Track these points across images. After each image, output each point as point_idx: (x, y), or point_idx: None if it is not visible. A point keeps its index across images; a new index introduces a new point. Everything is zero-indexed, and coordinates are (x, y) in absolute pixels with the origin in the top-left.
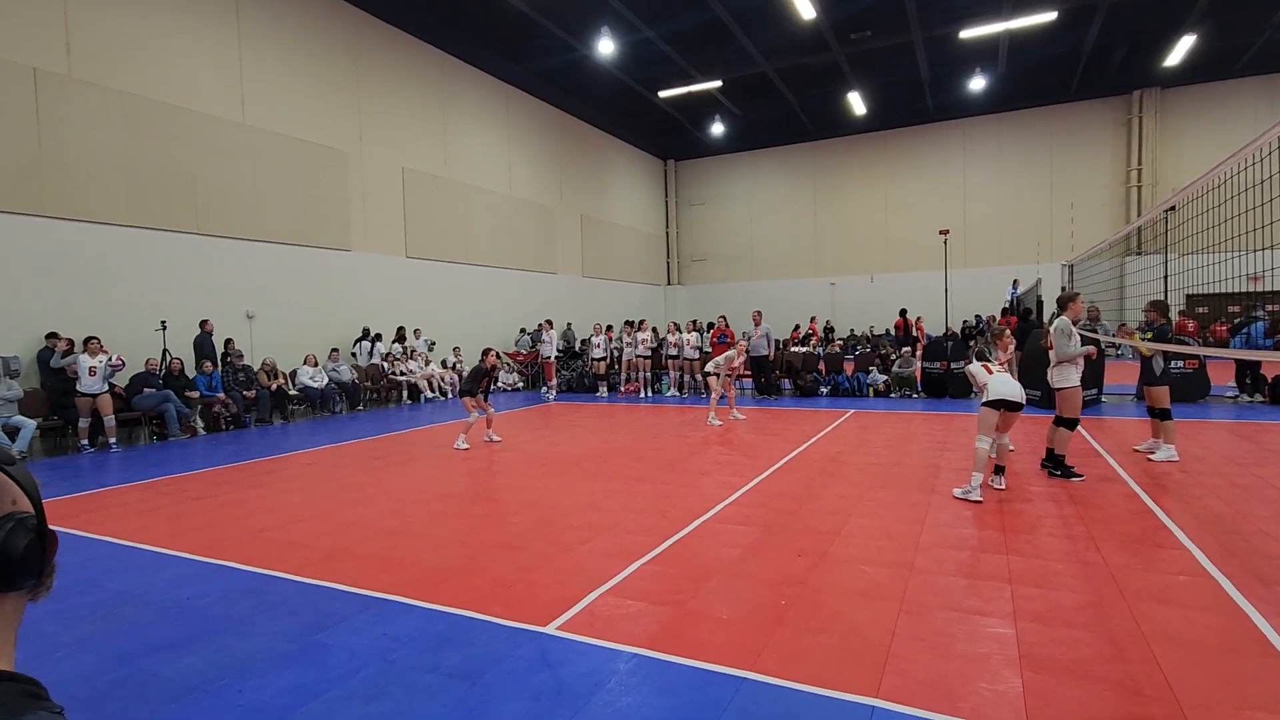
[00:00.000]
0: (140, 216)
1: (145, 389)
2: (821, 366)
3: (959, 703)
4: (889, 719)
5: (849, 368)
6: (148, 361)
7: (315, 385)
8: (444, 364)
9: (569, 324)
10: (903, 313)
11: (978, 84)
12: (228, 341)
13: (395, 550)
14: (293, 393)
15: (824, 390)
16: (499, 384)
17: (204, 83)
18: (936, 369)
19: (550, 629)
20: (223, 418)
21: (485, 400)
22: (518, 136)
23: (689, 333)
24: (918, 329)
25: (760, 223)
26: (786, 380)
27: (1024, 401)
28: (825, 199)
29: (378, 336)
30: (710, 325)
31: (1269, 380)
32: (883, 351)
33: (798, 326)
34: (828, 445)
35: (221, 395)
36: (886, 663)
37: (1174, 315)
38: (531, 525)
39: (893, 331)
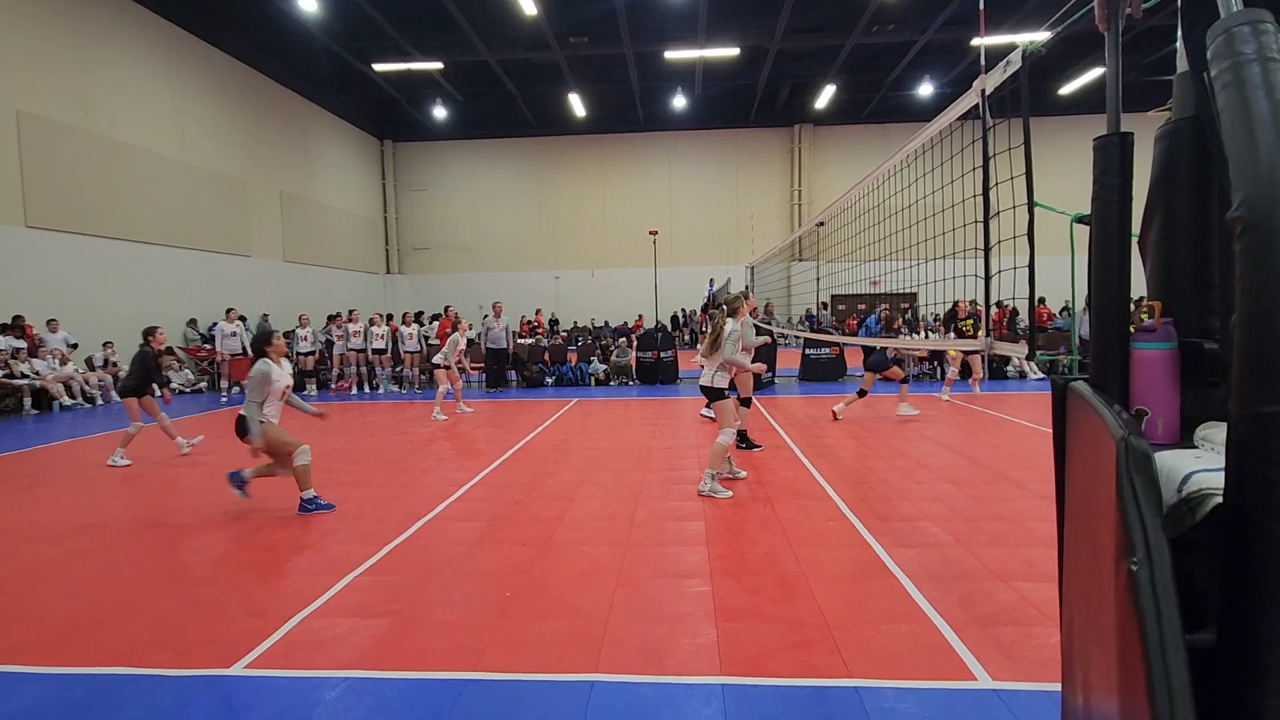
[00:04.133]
0: None
1: None
2: (547, 357)
3: (666, 661)
4: (607, 690)
5: (573, 358)
6: None
7: None
8: (90, 363)
9: (264, 315)
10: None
11: (679, 102)
12: None
13: (5, 606)
14: None
15: (549, 380)
16: (174, 386)
17: None
18: (649, 358)
19: (236, 669)
20: None
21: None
22: (195, 93)
23: (407, 325)
24: (636, 322)
25: (485, 213)
26: (513, 372)
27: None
28: (548, 194)
29: None
30: (435, 317)
31: None
32: (603, 343)
33: (526, 319)
34: (553, 434)
35: None
36: (605, 636)
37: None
38: (215, 551)
39: (630, 326)
